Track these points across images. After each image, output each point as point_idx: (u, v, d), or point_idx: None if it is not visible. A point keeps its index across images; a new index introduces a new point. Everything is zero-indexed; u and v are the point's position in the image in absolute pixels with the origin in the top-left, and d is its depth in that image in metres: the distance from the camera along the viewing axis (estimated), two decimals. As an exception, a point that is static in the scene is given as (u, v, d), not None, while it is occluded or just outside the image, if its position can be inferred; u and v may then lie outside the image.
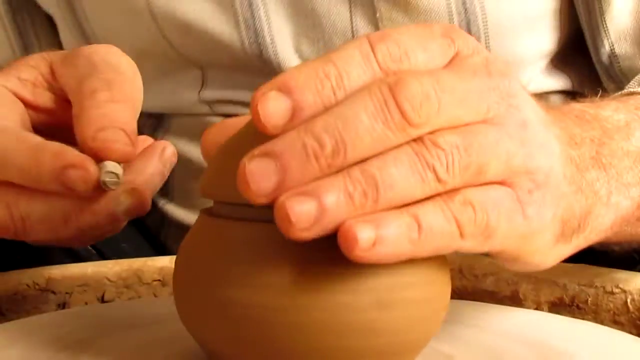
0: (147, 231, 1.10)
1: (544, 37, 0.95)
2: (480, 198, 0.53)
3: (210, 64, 0.98)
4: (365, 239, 0.50)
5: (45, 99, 0.74)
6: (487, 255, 0.57)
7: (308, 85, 0.51)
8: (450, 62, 0.55)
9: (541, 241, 0.57)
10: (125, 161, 0.68)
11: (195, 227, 0.59)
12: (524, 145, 0.55)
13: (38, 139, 0.68)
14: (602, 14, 0.90)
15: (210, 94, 1.00)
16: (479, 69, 0.54)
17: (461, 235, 0.52)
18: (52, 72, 0.75)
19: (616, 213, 0.63)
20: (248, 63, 0.95)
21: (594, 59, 0.94)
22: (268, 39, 0.93)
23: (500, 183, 0.54)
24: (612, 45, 0.92)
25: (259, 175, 0.50)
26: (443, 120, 0.52)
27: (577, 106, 0.66)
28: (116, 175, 0.66)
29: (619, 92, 0.79)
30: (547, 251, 0.58)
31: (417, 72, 0.53)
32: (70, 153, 0.66)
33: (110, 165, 0.66)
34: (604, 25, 0.90)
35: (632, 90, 0.78)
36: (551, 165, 0.56)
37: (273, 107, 0.51)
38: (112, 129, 0.68)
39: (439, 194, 0.52)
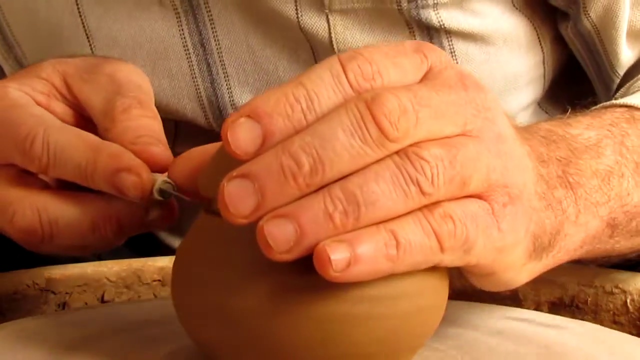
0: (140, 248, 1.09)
1: (529, 89, 0.93)
2: (459, 211, 0.53)
3: (179, 122, 0.95)
4: (339, 259, 0.50)
5: (59, 110, 0.74)
6: (465, 279, 0.57)
7: (278, 110, 0.51)
8: (424, 77, 0.55)
9: (514, 256, 0.57)
10: (163, 169, 0.68)
11: (195, 225, 0.59)
12: (501, 159, 0.55)
13: (97, 138, 0.69)
14: (612, 67, 0.89)
15: (183, 149, 0.97)
16: (454, 83, 0.54)
17: (441, 249, 0.52)
18: (67, 85, 0.74)
19: (586, 232, 0.63)
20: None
21: (601, 91, 0.92)
22: None
23: (478, 196, 0.54)
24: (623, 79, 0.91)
25: (237, 197, 0.50)
26: (422, 134, 0.52)
27: (544, 125, 0.66)
28: (172, 186, 0.65)
29: (599, 105, 0.78)
30: (519, 267, 0.58)
31: (394, 87, 0.52)
32: (127, 156, 0.66)
33: (164, 176, 0.66)
34: (616, 74, 0.89)
35: (613, 102, 0.78)
36: (524, 180, 0.56)
37: (243, 133, 0.51)
38: (150, 137, 0.69)
39: (419, 208, 0.52)
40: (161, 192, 0.65)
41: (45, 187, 0.70)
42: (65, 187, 0.70)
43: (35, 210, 0.68)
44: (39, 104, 0.74)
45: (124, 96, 0.72)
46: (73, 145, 0.67)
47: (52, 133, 0.68)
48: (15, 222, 0.68)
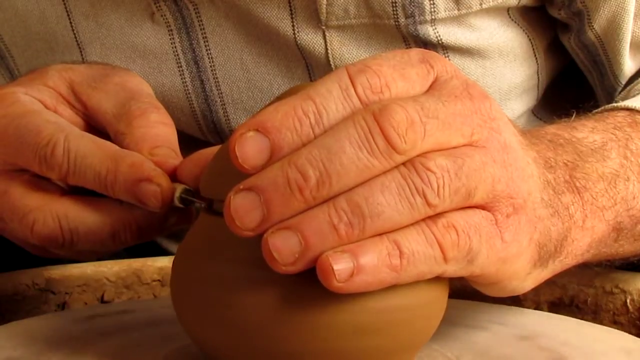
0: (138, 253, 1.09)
1: (523, 99, 0.93)
2: (462, 222, 0.53)
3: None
4: (342, 269, 0.50)
5: (66, 117, 0.74)
6: (464, 279, 0.57)
7: (286, 124, 0.51)
8: (431, 87, 0.55)
9: (518, 265, 0.57)
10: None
11: (195, 225, 0.59)
12: (506, 169, 0.55)
13: (115, 147, 0.69)
14: (615, 77, 0.89)
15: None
16: (460, 93, 0.54)
17: (445, 259, 0.52)
18: (74, 93, 0.74)
19: (592, 237, 0.63)
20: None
21: (603, 97, 0.92)
22: (227, 131, 0.90)
23: (482, 207, 0.54)
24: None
25: (243, 210, 0.51)
26: (429, 145, 0.52)
27: (550, 129, 0.66)
28: (193, 193, 0.65)
29: (601, 108, 0.78)
30: (524, 276, 0.58)
31: (401, 99, 0.52)
32: (147, 166, 0.66)
33: (183, 184, 0.66)
34: (619, 83, 0.89)
35: (614, 105, 0.78)
36: (529, 189, 0.56)
37: (251, 147, 0.51)
38: (166, 148, 0.69)
39: (422, 219, 0.52)
40: (182, 200, 0.65)
41: (62, 193, 0.70)
42: (80, 192, 0.69)
43: (55, 217, 0.68)
44: (48, 109, 0.73)
45: (139, 101, 0.71)
46: (93, 153, 0.67)
47: (72, 140, 0.68)
48: (36, 230, 0.68)
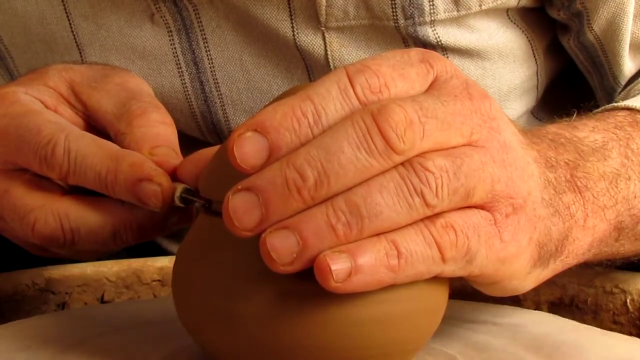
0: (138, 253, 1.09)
1: (523, 100, 0.93)
2: (461, 222, 0.53)
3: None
4: (340, 269, 0.50)
5: (67, 117, 0.74)
6: (464, 279, 0.57)
7: (285, 124, 0.51)
8: (430, 86, 0.55)
9: (518, 265, 0.57)
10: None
11: (195, 226, 0.59)
12: (506, 169, 0.55)
13: (116, 146, 0.69)
14: (615, 78, 0.89)
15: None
16: (460, 93, 0.54)
17: (443, 259, 0.52)
18: (74, 93, 0.74)
19: (593, 236, 0.63)
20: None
21: (603, 98, 0.93)
22: (226, 132, 0.90)
23: (481, 207, 0.54)
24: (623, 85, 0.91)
25: (241, 210, 0.51)
26: (428, 145, 0.52)
27: (551, 129, 0.66)
28: (193, 193, 0.65)
29: (601, 108, 0.78)
30: (524, 275, 0.58)
31: (400, 98, 0.52)
32: (148, 166, 0.66)
33: (184, 184, 0.66)
34: (619, 84, 0.89)
35: (615, 105, 0.78)
36: (529, 189, 0.56)
37: (249, 147, 0.51)
38: (167, 147, 0.69)
39: (421, 219, 0.52)
40: (183, 199, 0.65)
41: (63, 192, 0.69)
42: (80, 192, 0.69)
43: (57, 217, 0.68)
44: (48, 109, 0.73)
45: (139, 101, 0.72)
46: (93, 153, 0.67)
47: (72, 140, 0.68)
48: (37, 229, 0.68)
